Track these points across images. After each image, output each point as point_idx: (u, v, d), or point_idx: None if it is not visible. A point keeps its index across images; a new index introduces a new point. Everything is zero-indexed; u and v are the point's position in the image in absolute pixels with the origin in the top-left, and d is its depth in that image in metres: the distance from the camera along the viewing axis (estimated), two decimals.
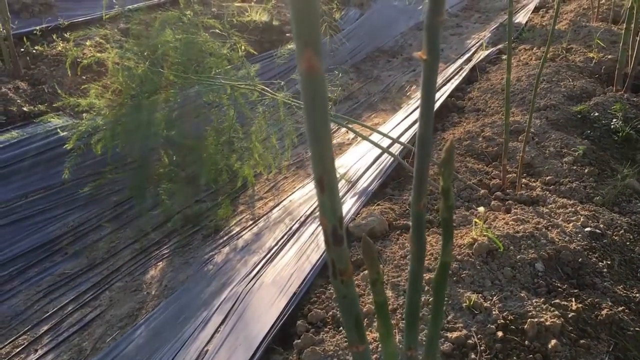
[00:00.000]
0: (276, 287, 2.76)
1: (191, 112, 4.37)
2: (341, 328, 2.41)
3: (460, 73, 5.68)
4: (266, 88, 4.09)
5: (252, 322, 2.55)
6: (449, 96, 5.11)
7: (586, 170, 3.51)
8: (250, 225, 4.01)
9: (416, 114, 4.83)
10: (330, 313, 2.49)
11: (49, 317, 3.36)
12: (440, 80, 5.89)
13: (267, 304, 2.65)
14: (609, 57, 5.18)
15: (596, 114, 4.16)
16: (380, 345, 2.14)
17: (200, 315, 2.83)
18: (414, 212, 1.33)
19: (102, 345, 3.11)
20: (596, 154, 3.71)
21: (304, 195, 4.10)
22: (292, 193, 4.31)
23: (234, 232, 3.97)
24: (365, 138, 3.79)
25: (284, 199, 4.24)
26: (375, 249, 1.44)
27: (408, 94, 6.34)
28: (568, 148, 3.75)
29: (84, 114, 4.23)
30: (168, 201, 4.13)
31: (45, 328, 3.29)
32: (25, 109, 4.69)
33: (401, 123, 4.88)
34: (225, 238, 3.91)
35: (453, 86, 5.26)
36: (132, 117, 3.97)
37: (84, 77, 5.23)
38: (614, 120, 4.00)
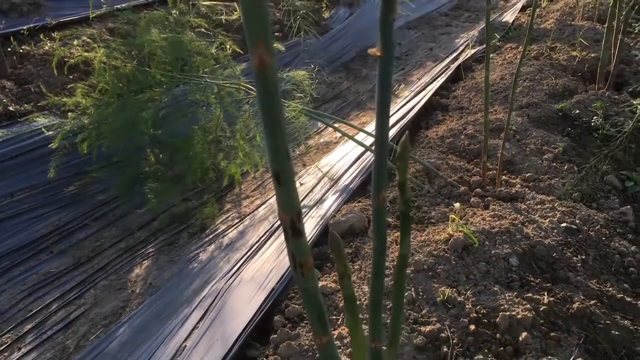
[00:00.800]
0: (255, 283, 2.79)
1: (178, 111, 4.38)
2: None
3: (446, 72, 5.72)
4: (252, 87, 4.12)
5: (230, 318, 2.58)
6: (434, 94, 5.14)
7: (565, 167, 3.55)
8: (236, 223, 4.03)
9: (402, 112, 4.87)
10: None
11: (33, 316, 3.38)
12: (427, 79, 5.93)
13: (245, 300, 2.68)
14: (592, 55, 5.23)
15: (577, 111, 4.21)
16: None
17: (181, 312, 2.86)
18: (374, 206, 1.36)
19: (86, 343, 3.13)
20: (576, 151, 3.76)
21: None
22: None
23: (220, 230, 3.99)
24: (349, 137, 3.82)
25: (271, 197, 4.27)
26: (341, 243, 1.47)
27: (396, 92, 6.37)
28: (548, 145, 3.80)
29: (70, 113, 4.24)
30: (154, 200, 4.15)
31: (29, 326, 3.30)
32: (11, 108, 4.70)
33: (396, 113, 4.91)
34: (210, 236, 3.93)
35: (438, 84, 5.30)
36: (119, 116, 3.98)
37: (70, 77, 5.23)
38: (595, 117, 4.05)
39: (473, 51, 6.40)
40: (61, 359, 3.06)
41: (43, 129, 4.12)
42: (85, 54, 4.29)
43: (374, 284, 1.46)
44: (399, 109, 5.00)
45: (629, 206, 3.23)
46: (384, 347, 1.56)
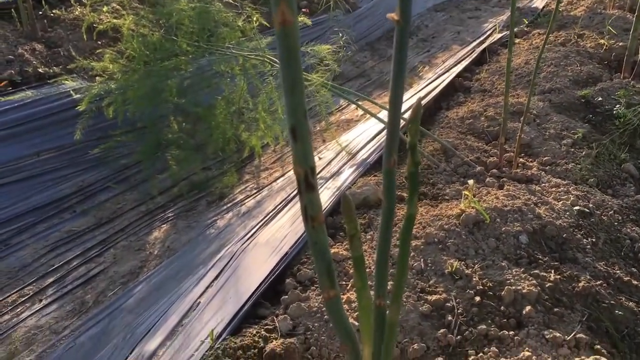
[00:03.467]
0: (269, 247, 2.88)
1: (202, 81, 4.44)
2: None
3: (471, 55, 5.70)
4: (276, 60, 4.16)
5: (244, 278, 2.68)
6: (457, 76, 5.14)
7: (583, 153, 3.56)
8: (254, 193, 4.10)
9: (424, 92, 4.88)
10: None
11: (54, 271, 3.49)
12: (452, 61, 5.91)
13: (259, 262, 2.77)
14: (620, 44, 5.16)
15: (600, 99, 4.18)
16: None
17: (197, 272, 2.96)
18: (385, 169, 1.41)
19: (104, 298, 3.24)
20: (595, 138, 3.75)
21: None
22: None
23: (238, 199, 4.06)
24: (371, 114, 3.86)
25: (289, 170, 4.33)
26: (353, 206, 1.53)
27: (420, 74, 6.35)
28: (568, 131, 3.80)
29: (98, 78, 4.34)
30: (175, 167, 4.24)
31: (51, 280, 3.41)
32: (40, 70, 4.81)
33: (409, 100, 4.93)
34: (229, 205, 4.01)
35: (462, 67, 5.29)
36: (144, 83, 4.05)
37: (99, 42, 5.32)
38: (617, 106, 4.03)
39: (500, 35, 6.35)
40: (80, 312, 3.17)
41: (71, 92, 4.23)
42: (114, 20, 4.36)
43: (380, 243, 1.52)
44: (421, 89, 5.01)
45: None
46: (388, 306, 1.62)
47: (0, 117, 4.32)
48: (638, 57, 4.65)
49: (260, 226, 3.23)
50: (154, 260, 3.54)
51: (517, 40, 5.98)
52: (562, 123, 3.87)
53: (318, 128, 5.19)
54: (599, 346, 2.10)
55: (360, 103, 4.24)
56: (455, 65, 5.58)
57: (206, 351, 2.17)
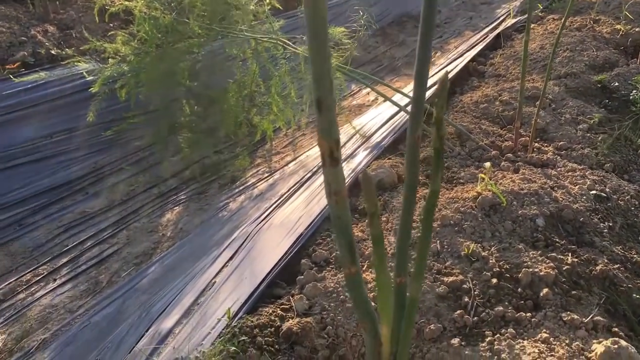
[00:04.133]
0: (284, 228, 2.88)
1: (214, 64, 4.42)
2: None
3: (484, 40, 5.64)
4: (289, 43, 4.13)
5: (259, 259, 2.68)
6: (471, 61, 5.10)
7: (599, 138, 3.52)
8: (266, 177, 4.10)
9: (438, 77, 4.84)
10: (334, 254, 2.59)
11: (68, 251, 3.52)
12: (464, 47, 5.85)
13: (274, 243, 2.77)
14: (637, 29, 5.09)
15: (616, 84, 4.14)
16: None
17: (211, 253, 2.96)
18: (409, 142, 1.40)
19: (118, 279, 3.26)
20: (612, 123, 3.71)
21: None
22: (310, 149, 4.38)
23: (250, 182, 4.06)
24: (385, 97, 3.83)
25: (301, 154, 4.32)
26: (373, 184, 1.52)
27: (432, 60, 6.30)
28: (584, 116, 3.76)
29: (110, 60, 4.33)
30: (187, 150, 4.24)
31: (64, 260, 3.44)
32: (53, 52, 4.82)
33: (432, 77, 4.89)
34: (241, 188, 4.01)
35: (476, 52, 5.24)
36: (157, 66, 4.04)
37: (111, 25, 5.31)
38: (634, 91, 3.98)
39: (514, 21, 6.28)
40: (94, 291, 3.19)
41: (84, 73, 4.22)
42: (126, 2, 4.33)
43: (403, 220, 1.51)
44: (434, 74, 4.97)
45: None
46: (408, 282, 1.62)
47: (14, 99, 4.33)
48: None
49: (274, 208, 3.23)
50: (167, 242, 3.55)
51: (531, 26, 5.91)
52: (577, 108, 3.83)
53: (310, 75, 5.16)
54: (616, 329, 2.08)
55: (373, 87, 4.21)
56: (468, 50, 5.53)
57: (223, 329, 2.18)
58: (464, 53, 5.43)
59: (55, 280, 3.33)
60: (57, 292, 3.22)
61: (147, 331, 2.47)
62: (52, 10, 5.34)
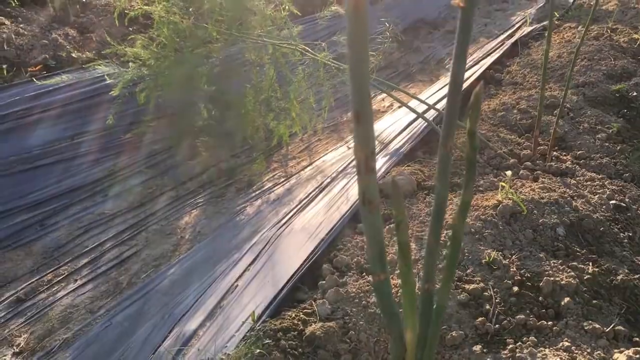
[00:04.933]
0: (305, 234, 2.91)
1: (232, 69, 4.47)
2: (364, 274, 2.54)
3: (501, 47, 5.66)
4: (307, 48, 4.16)
5: (281, 263, 2.71)
6: (488, 68, 5.12)
7: (618, 148, 3.53)
8: (282, 181, 4.13)
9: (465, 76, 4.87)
10: (355, 260, 2.62)
11: (88, 252, 3.55)
12: (480, 54, 5.87)
13: (295, 248, 2.80)
14: None
15: (635, 93, 4.14)
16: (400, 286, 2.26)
17: (231, 257, 3.00)
18: (441, 154, 1.43)
19: (137, 280, 3.29)
20: (630, 133, 3.72)
21: (336, 156, 4.21)
22: (325, 154, 4.41)
23: (266, 187, 4.10)
24: (401, 102, 3.86)
25: (317, 160, 4.35)
26: (401, 193, 1.55)
27: (447, 66, 6.31)
28: (602, 125, 3.77)
29: (130, 64, 4.39)
30: (205, 153, 4.28)
31: (85, 261, 3.48)
32: (73, 55, 4.89)
33: (436, 93, 4.92)
34: (257, 192, 4.04)
35: (492, 59, 5.26)
36: (175, 70, 4.10)
37: (130, 29, 5.38)
38: None
39: (530, 28, 6.29)
40: (115, 292, 3.23)
41: (106, 77, 4.29)
42: (145, 7, 4.39)
43: (432, 228, 1.53)
44: (445, 85, 5.00)
45: None
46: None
47: (36, 101, 4.40)
48: None
49: (294, 213, 3.26)
50: (186, 245, 3.59)
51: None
52: (596, 117, 3.84)
53: (345, 118, 5.20)
54: (637, 339, 2.10)
55: (391, 93, 4.24)
56: (484, 57, 5.55)
57: (247, 332, 2.21)
58: (480, 60, 5.46)
59: (76, 280, 3.36)
60: (78, 292, 3.25)
61: (170, 332, 2.50)
62: (73, 13, 5.42)
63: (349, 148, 4.31)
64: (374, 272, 1.52)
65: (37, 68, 4.76)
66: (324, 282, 2.49)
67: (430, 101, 4.69)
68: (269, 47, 4.17)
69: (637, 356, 1.89)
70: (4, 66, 4.75)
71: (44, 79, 4.51)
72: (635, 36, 5.28)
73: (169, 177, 4.33)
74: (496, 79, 5.00)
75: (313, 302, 2.35)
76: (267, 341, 2.10)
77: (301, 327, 2.20)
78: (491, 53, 5.61)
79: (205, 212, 3.93)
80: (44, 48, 4.96)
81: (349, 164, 3.84)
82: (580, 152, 3.53)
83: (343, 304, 2.32)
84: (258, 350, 2.04)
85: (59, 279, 3.35)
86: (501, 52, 5.48)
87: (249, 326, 2.26)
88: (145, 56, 4.25)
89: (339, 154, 4.25)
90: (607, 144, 3.59)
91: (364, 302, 2.32)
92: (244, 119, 4.32)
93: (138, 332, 2.66)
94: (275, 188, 4.06)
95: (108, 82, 4.31)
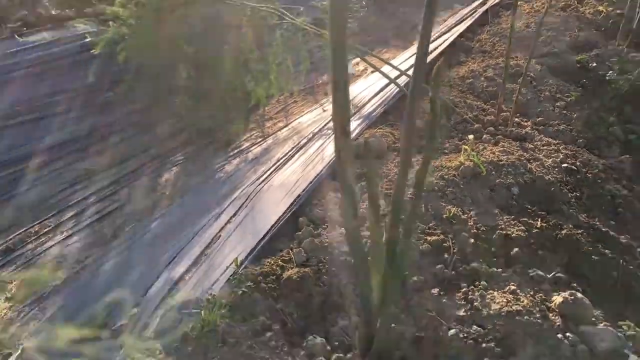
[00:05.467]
0: (283, 190, 3.13)
1: (211, 31, 4.55)
2: (337, 226, 2.78)
3: (473, 15, 5.84)
4: (286, 12, 4.27)
5: (261, 216, 2.94)
6: (460, 36, 5.30)
7: (575, 115, 3.80)
8: (260, 141, 4.30)
9: (437, 43, 5.07)
10: (329, 214, 2.86)
11: (72, 206, 3.69)
12: (453, 21, 6.04)
13: (274, 203, 3.02)
14: (618, 11, 5.34)
15: (594, 64, 4.40)
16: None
17: (213, 211, 3.20)
18: (408, 110, 1.62)
19: (122, 233, 3.45)
20: (587, 102, 3.99)
21: (312, 118, 4.39)
22: (301, 116, 4.57)
23: (244, 146, 4.26)
24: (375, 68, 4.03)
25: (293, 121, 4.52)
26: (373, 152, 1.77)
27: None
28: (562, 94, 4.03)
29: (111, 23, 4.43)
30: (184, 113, 4.40)
31: (70, 214, 3.62)
32: (53, 12, 4.90)
33: (410, 59, 5.10)
34: (236, 151, 4.21)
35: (464, 27, 5.44)
36: (154, 30, 4.16)
37: None
38: (610, 72, 4.25)
39: None
40: (101, 244, 3.39)
41: (86, 35, 4.33)
42: None
43: (399, 180, 1.75)
44: None
45: (628, 155, 3.51)
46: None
47: (17, 57, 4.45)
48: (634, 25, 4.83)
49: (272, 171, 3.47)
50: (167, 200, 3.74)
51: (518, 3, 6.10)
52: (557, 86, 4.10)
53: (320, 81, 5.34)
54: (575, 284, 2.39)
55: (365, 59, 4.40)
56: (457, 24, 5.72)
57: (230, 276, 2.44)
58: (453, 27, 5.64)
59: (62, 232, 3.50)
60: (65, 243, 3.41)
61: (158, 278, 2.71)
62: None
63: (324, 110, 4.49)
64: (348, 219, 1.75)
65: (17, 25, 4.78)
66: (300, 233, 2.73)
67: (404, 67, 4.88)
68: (247, 10, 4.25)
69: (572, 297, 2.18)
70: None
71: (26, 36, 4.55)
72: (601, 8, 5.51)
73: (149, 135, 4.44)
74: (467, 47, 5.20)
75: (290, 251, 2.60)
76: (248, 284, 2.34)
77: (279, 272, 2.45)
78: (464, 20, 5.79)
79: (186, 169, 4.08)
80: (22, 4, 4.97)
81: (324, 125, 4.04)
82: (539, 118, 3.79)
83: (317, 253, 2.57)
84: (241, 291, 2.27)
85: (46, 230, 3.49)
86: (472, 20, 5.66)
87: (232, 271, 2.50)
88: (124, 15, 4.30)
89: (314, 116, 4.43)
90: (565, 112, 3.86)
91: (336, 251, 2.57)
92: (222, 80, 4.42)
93: (126, 278, 2.86)
94: (253, 148, 4.22)
95: (87, 40, 4.35)
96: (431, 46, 5.14)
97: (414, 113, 1.62)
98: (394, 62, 5.21)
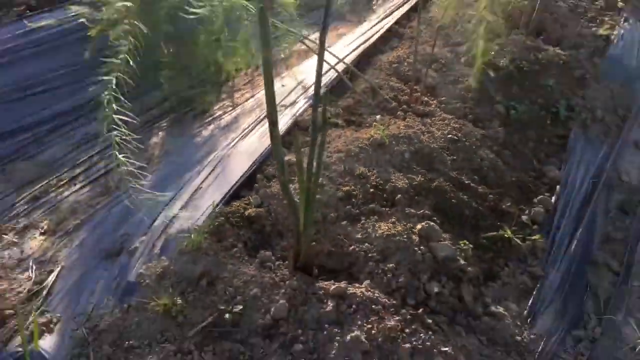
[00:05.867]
0: (246, 154, 4.32)
1: (189, 13, 5.45)
2: None
3: (408, 2, 6.89)
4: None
5: (229, 173, 4.13)
6: (395, 23, 6.37)
7: (469, 95, 5.00)
8: (230, 110, 5.34)
9: (366, 37, 6.12)
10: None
11: (81, 163, 4.68)
12: (392, 6, 7.00)
13: (239, 163, 4.22)
14: (525, 2, 6.45)
15: (492, 53, 5.56)
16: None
17: (194, 168, 4.35)
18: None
19: (123, 185, 4.49)
20: (482, 84, 5.17)
21: None
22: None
23: (217, 114, 5.30)
24: (315, 52, 5.09)
25: (258, 92, 5.57)
26: (299, 134, 2.91)
27: (374, 7, 7.35)
28: (464, 77, 5.20)
29: (104, 8, 5.30)
30: (166, 85, 5.37)
31: (79, 170, 4.60)
32: None
33: (359, 38, 6.08)
34: (210, 119, 5.24)
35: (400, 14, 6.50)
36: (140, 12, 5.04)
37: None
38: (504, 58, 5.42)
39: None
40: (107, 193, 4.43)
41: (85, 17, 5.22)
42: None
43: (310, 153, 2.92)
44: (363, 33, 6.25)
45: (502, 128, 4.74)
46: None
47: (25, 37, 5.39)
48: (534, 15, 5.95)
49: (239, 139, 4.61)
50: (157, 159, 4.78)
51: None
52: (460, 71, 5.27)
53: (282, 56, 6.34)
54: (435, 219, 3.66)
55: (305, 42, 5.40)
56: (396, 9, 6.75)
57: (210, 214, 3.64)
58: (393, 13, 6.69)
59: (75, 184, 4.50)
60: (79, 192, 4.42)
61: (158, 216, 3.87)
62: None
63: (283, 86, 5.55)
64: (279, 176, 2.92)
65: (21, 8, 5.66)
66: (257, 185, 3.94)
67: (359, 41, 5.83)
68: None
69: (426, 224, 3.44)
70: None
71: (29, 18, 5.42)
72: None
73: (139, 104, 5.39)
74: (400, 34, 6.29)
75: (250, 197, 3.81)
76: (221, 219, 3.54)
77: (242, 211, 3.66)
78: (401, 6, 6.83)
79: (170, 133, 5.10)
80: None
81: (280, 101, 5.13)
82: (443, 98, 4.98)
83: (269, 199, 3.78)
84: (216, 223, 3.49)
85: (62, 182, 4.48)
86: (409, 6, 6.71)
87: (210, 210, 3.69)
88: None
89: (275, 89, 5.47)
90: (463, 93, 5.04)
91: (281, 197, 3.77)
92: (198, 56, 5.33)
93: (133, 217, 3.99)
94: (225, 116, 5.28)
95: (80, 20, 5.21)
96: (370, 32, 6.21)
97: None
98: (349, 37, 6.18)
